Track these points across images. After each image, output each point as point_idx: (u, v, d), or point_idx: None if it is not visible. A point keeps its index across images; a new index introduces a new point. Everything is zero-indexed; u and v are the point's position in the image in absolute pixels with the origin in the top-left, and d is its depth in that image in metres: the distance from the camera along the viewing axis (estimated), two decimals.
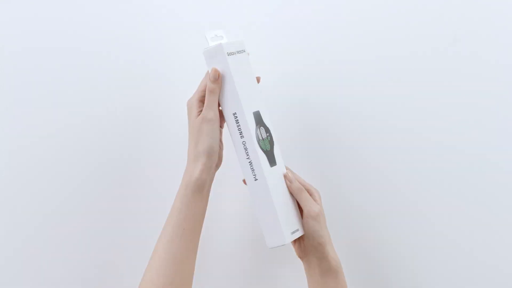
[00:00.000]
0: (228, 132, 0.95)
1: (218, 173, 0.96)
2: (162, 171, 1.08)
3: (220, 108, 0.94)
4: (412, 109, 1.05)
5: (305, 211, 0.94)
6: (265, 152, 0.93)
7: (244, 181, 0.95)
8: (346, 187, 1.08)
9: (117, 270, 1.09)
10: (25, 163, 1.06)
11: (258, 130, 0.93)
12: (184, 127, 0.95)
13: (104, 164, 1.08)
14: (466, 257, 1.06)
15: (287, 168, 0.97)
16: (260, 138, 0.93)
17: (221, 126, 0.95)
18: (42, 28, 1.07)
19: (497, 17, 1.03)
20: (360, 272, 1.05)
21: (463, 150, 1.04)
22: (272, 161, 0.94)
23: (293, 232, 0.93)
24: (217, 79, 0.91)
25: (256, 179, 0.92)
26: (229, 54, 0.91)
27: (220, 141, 0.96)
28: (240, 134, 0.92)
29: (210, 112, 0.91)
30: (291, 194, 0.95)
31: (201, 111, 0.93)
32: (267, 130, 0.95)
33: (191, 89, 0.96)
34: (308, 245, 0.95)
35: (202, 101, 0.93)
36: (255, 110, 0.94)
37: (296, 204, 0.96)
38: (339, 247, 0.98)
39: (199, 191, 0.91)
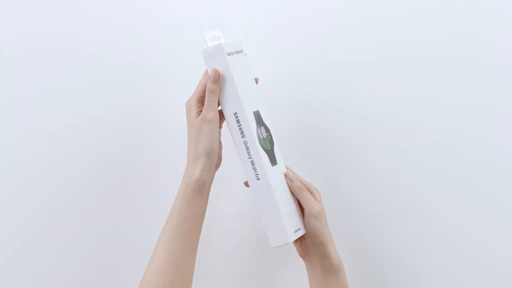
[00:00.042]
0: (226, 132, 0.95)
1: (217, 173, 0.96)
2: (162, 171, 1.08)
3: (220, 108, 0.94)
4: (412, 109, 1.05)
5: (306, 210, 0.94)
6: (266, 151, 0.93)
7: (245, 183, 0.96)
8: (346, 187, 1.08)
9: (117, 270, 1.09)
10: (25, 163, 1.06)
11: (259, 129, 0.93)
12: (184, 127, 0.95)
13: (104, 164, 1.08)
14: (466, 257, 1.06)
15: (287, 168, 0.97)
16: (261, 137, 0.93)
17: (219, 126, 0.95)
18: (42, 28, 1.07)
19: (497, 17, 1.03)
20: (360, 273, 1.05)
21: (463, 150, 1.04)
22: (273, 161, 0.94)
23: (296, 231, 0.93)
24: (217, 79, 0.91)
25: (258, 179, 0.92)
26: (229, 54, 0.91)
27: (219, 141, 0.96)
28: (241, 134, 0.92)
29: (210, 113, 0.91)
30: (292, 193, 0.96)
31: (200, 111, 0.92)
32: (267, 129, 0.95)
33: (191, 89, 0.95)
34: (310, 244, 0.95)
35: (200, 101, 0.93)
36: (255, 109, 0.94)
37: (297, 203, 0.96)
38: (339, 247, 0.98)
39: (199, 191, 0.91)
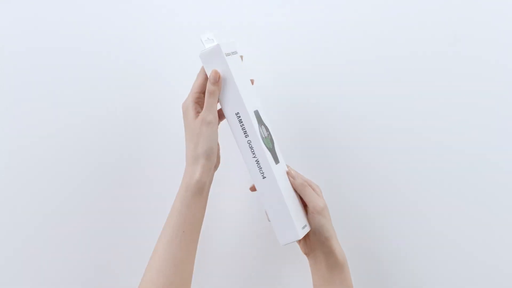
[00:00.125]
0: (224, 133, 0.95)
1: (216, 173, 0.97)
2: (162, 171, 1.08)
3: (221, 109, 0.94)
4: (412, 109, 1.05)
5: (310, 207, 0.94)
6: (269, 150, 0.93)
7: (251, 188, 0.95)
8: (346, 187, 1.08)
9: (117, 270, 1.09)
10: (25, 163, 1.06)
11: (260, 128, 0.93)
12: None
13: (104, 164, 1.08)
14: (466, 257, 1.06)
15: (287, 166, 0.97)
16: (263, 136, 0.93)
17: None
18: (41, 28, 1.07)
19: (497, 17, 1.03)
20: (360, 273, 1.05)
21: (463, 150, 1.04)
22: (275, 159, 0.94)
23: (303, 228, 0.93)
24: (218, 81, 0.91)
25: (264, 177, 0.92)
26: (227, 54, 0.91)
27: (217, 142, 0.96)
28: (244, 134, 0.92)
29: (210, 115, 0.91)
30: (295, 190, 0.96)
31: (198, 112, 0.92)
32: (267, 128, 0.95)
33: None
34: (315, 240, 0.95)
35: (197, 102, 0.93)
36: (255, 109, 0.94)
37: (301, 200, 0.96)
38: None
39: (199, 193, 0.91)
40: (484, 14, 1.03)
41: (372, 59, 1.06)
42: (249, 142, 0.92)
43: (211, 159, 0.92)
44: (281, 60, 1.08)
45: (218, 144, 0.95)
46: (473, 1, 1.03)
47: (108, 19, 1.08)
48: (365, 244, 1.08)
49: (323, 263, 0.95)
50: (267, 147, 0.93)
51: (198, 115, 0.92)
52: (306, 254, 0.98)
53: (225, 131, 0.95)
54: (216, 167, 0.96)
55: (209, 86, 0.91)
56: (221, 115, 0.95)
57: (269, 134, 0.95)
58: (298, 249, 1.00)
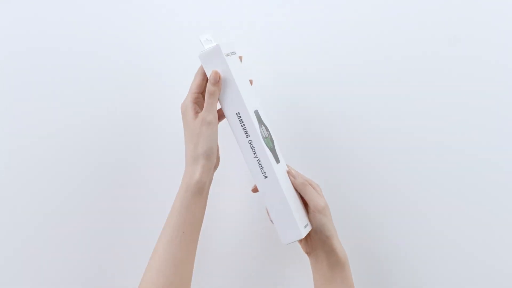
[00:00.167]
0: (223, 133, 0.95)
1: (216, 173, 0.97)
2: (162, 171, 1.08)
3: (220, 109, 0.94)
4: (412, 109, 1.05)
5: (311, 206, 0.94)
6: (270, 149, 0.93)
7: (253, 190, 0.96)
8: (346, 187, 1.08)
9: (117, 270, 1.09)
10: (25, 163, 1.06)
11: (261, 128, 0.93)
12: None
13: (104, 164, 1.08)
14: (466, 257, 1.06)
15: (287, 165, 0.97)
16: (264, 136, 0.93)
17: None
18: (41, 28, 1.07)
19: (497, 17, 1.03)
20: (360, 273, 1.05)
21: (463, 150, 1.04)
22: (276, 158, 0.94)
23: (305, 226, 0.93)
24: (218, 81, 0.91)
25: (266, 177, 0.92)
26: (226, 55, 0.91)
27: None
28: (245, 134, 0.92)
29: (210, 115, 0.91)
30: (295, 189, 0.96)
31: (197, 112, 0.92)
32: (267, 128, 0.95)
33: None
34: (316, 239, 0.95)
35: (196, 102, 0.93)
36: (255, 109, 0.94)
37: (301, 200, 0.96)
38: None
39: (199, 193, 0.91)
40: (484, 14, 1.03)
41: (372, 59, 1.06)
42: (250, 142, 0.92)
43: (211, 159, 0.92)
44: (281, 60, 1.08)
45: (217, 144, 0.95)
46: (473, 1, 1.03)
47: (108, 19, 1.08)
48: (365, 244, 1.08)
49: (325, 262, 0.95)
50: (268, 147, 0.93)
51: (197, 115, 0.92)
52: (307, 253, 0.98)
53: (225, 131, 0.95)
54: (215, 167, 0.96)
55: (209, 87, 0.91)
56: (220, 115, 0.95)
57: (269, 134, 0.95)
58: (298, 249, 1.00)
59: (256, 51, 1.05)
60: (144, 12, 1.08)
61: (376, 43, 1.05)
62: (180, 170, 0.93)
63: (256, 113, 0.94)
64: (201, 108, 0.93)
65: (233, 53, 0.94)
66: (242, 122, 0.92)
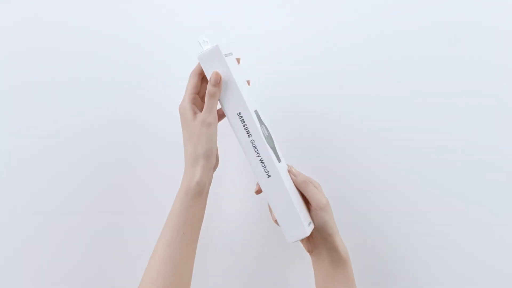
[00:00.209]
0: (222, 134, 0.94)
1: (216, 172, 0.97)
2: (162, 171, 1.08)
3: (220, 109, 0.94)
4: (412, 109, 1.05)
5: (313, 203, 0.94)
6: (272, 149, 0.93)
7: (256, 192, 0.95)
8: (346, 187, 1.08)
9: (117, 270, 1.09)
10: (25, 163, 1.06)
11: (262, 128, 0.93)
12: None
13: (104, 164, 1.08)
14: (466, 257, 1.06)
15: (287, 164, 0.97)
16: (265, 135, 0.93)
17: None
18: (41, 28, 1.07)
19: (497, 17, 1.03)
20: (360, 273, 1.05)
21: (464, 150, 1.04)
22: (277, 157, 0.94)
23: (309, 224, 0.93)
24: (219, 82, 0.91)
25: (269, 176, 0.92)
26: (225, 55, 0.91)
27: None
28: (247, 134, 0.92)
29: (210, 116, 0.91)
30: (297, 188, 0.96)
31: (195, 113, 0.92)
32: (267, 128, 0.95)
33: None
34: (318, 237, 0.95)
35: (194, 103, 0.93)
36: (255, 109, 0.94)
37: (303, 198, 0.96)
38: None
39: (199, 193, 0.91)
40: (484, 14, 1.03)
41: (372, 60, 1.06)
42: (252, 142, 0.92)
43: (211, 160, 0.92)
44: (281, 61, 1.08)
45: (216, 145, 0.95)
46: (473, 1, 1.03)
47: (108, 19, 1.08)
48: (365, 244, 1.08)
49: (327, 259, 0.95)
50: (269, 146, 0.93)
51: (196, 116, 0.92)
52: (309, 251, 0.98)
53: (225, 131, 0.95)
54: (215, 167, 0.96)
55: (210, 88, 0.91)
56: (219, 115, 0.95)
57: (269, 133, 0.95)
58: (298, 249, 1.00)
59: (256, 51, 1.05)
60: (144, 12, 1.08)
61: (376, 43, 1.05)
62: (179, 171, 0.93)
63: (256, 113, 0.94)
64: (199, 109, 0.93)
65: (230, 53, 0.94)
66: (244, 122, 0.92)
